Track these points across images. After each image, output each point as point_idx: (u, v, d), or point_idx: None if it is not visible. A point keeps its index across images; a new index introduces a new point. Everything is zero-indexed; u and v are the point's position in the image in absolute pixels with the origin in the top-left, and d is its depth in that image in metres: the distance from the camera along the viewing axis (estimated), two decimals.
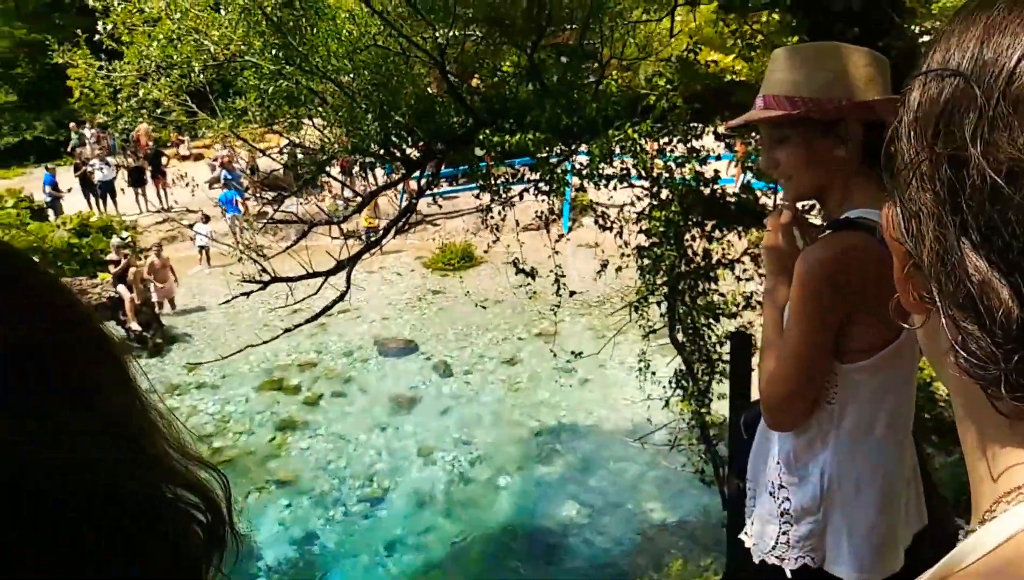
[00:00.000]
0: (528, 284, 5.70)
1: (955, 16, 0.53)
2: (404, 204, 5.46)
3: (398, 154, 5.42)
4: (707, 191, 4.21)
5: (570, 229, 15.35)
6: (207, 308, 13.81)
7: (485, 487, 8.48)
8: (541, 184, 5.00)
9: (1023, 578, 0.45)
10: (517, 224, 5.77)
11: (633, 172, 4.56)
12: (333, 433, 9.54)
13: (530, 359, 11.38)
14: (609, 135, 4.19)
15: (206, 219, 16.23)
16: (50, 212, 17.87)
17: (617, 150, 4.33)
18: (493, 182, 5.64)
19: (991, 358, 0.47)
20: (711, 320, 4.62)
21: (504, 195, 5.60)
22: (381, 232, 5.51)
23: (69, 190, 18.33)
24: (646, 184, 4.60)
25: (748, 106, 1.70)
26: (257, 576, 7.21)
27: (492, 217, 5.48)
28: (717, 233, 4.38)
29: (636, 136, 4.13)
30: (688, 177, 4.16)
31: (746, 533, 1.80)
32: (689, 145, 4.30)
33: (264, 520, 7.99)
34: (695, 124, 4.46)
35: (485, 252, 15.22)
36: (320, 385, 10.71)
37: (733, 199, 4.32)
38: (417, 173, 5.51)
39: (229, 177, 17.75)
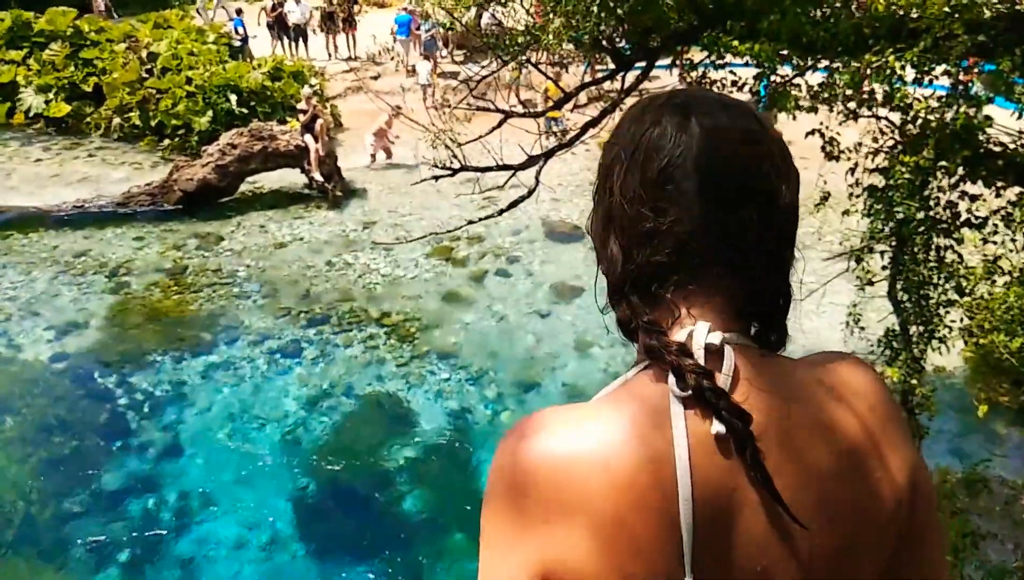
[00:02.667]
0: None
1: (624, 112, 1.04)
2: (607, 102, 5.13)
3: (608, 47, 5.00)
4: (972, 139, 3.59)
5: None
6: (387, 167, 14.06)
7: None
8: (764, 99, 4.48)
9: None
10: None
11: (880, 102, 3.97)
12: (495, 312, 9.62)
13: None
14: (865, 59, 3.61)
15: (426, 56, 17.08)
16: (239, 56, 18.46)
17: (868, 77, 3.75)
18: (708, 88, 5.14)
19: (613, 297, 1.01)
20: (941, 281, 4.09)
21: None
22: (576, 130, 5.18)
23: (253, 36, 18.80)
24: (894, 119, 4.01)
25: None
26: (413, 440, 7.51)
27: None
28: (971, 187, 3.78)
29: (897, 65, 3.54)
30: (955, 121, 3.54)
31: None
32: (959, 83, 3.66)
33: (423, 388, 8.25)
34: (975, 59, 3.78)
35: None
36: (486, 261, 10.75)
37: (999, 149, 3.68)
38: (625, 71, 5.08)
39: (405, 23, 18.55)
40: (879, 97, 4.00)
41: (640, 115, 1.00)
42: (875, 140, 4.22)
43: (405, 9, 18.89)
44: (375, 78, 18.47)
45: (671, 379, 0.89)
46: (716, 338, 0.91)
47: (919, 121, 3.76)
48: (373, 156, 14.09)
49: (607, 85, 5.43)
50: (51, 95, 16.48)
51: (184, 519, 6.57)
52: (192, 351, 8.77)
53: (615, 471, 0.85)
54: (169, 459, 7.22)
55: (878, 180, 4.27)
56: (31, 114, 16.53)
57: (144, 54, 16.38)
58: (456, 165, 5.06)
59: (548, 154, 5.10)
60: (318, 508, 6.74)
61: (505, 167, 5.04)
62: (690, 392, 0.87)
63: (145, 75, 16.00)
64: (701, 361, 0.89)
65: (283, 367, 8.56)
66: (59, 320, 9.30)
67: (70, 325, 9.22)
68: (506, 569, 0.88)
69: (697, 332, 0.91)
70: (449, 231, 5.92)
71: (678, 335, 0.92)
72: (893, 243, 4.14)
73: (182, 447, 7.38)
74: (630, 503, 0.84)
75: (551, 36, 4.80)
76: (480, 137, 5.07)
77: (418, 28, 18.14)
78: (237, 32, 18.36)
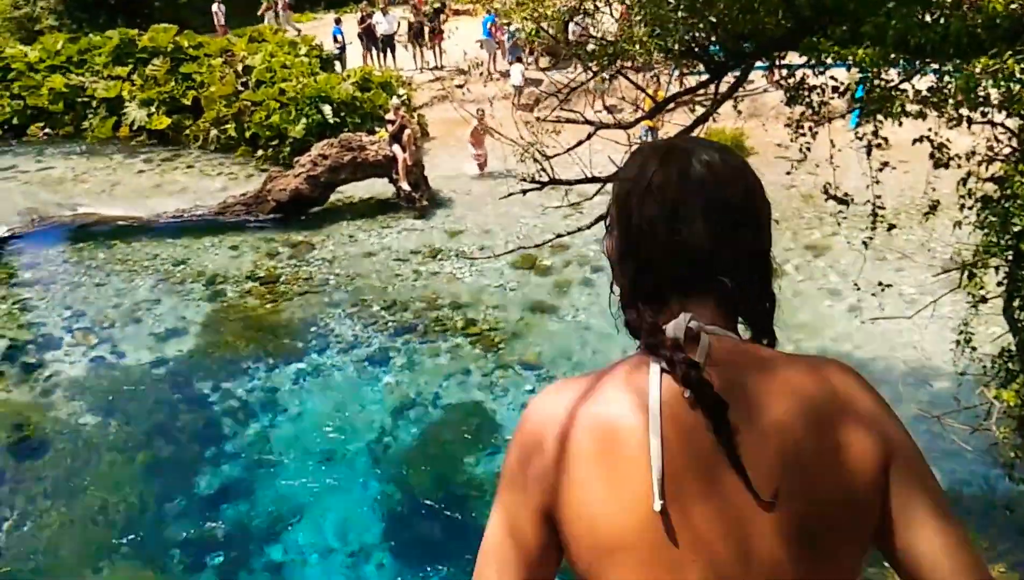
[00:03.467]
0: (795, 185, 5.14)
1: (631, 156, 1.27)
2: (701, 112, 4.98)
3: (701, 54, 4.86)
4: None
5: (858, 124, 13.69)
6: (473, 178, 14.15)
7: None
8: (870, 105, 4.26)
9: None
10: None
11: (996, 107, 3.71)
12: (579, 322, 9.52)
13: (795, 273, 10.57)
14: (981, 62, 3.38)
15: (518, 59, 17.39)
16: (336, 64, 18.89)
17: (983, 81, 3.51)
18: (806, 94, 4.95)
19: (627, 305, 1.22)
20: None
21: (818, 110, 4.90)
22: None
23: (350, 43, 19.25)
24: (1011, 125, 3.75)
25: None
26: (498, 450, 7.48)
27: (803, 133, 4.83)
28: None
29: (1017, 68, 3.30)
30: None
31: None
32: None
33: (507, 398, 8.22)
34: None
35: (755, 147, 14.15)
36: (571, 270, 10.67)
37: None
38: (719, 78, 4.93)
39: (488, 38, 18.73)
40: (995, 101, 3.75)
41: (648, 156, 1.21)
42: (990, 148, 3.96)
43: (489, 11, 19.09)
44: (461, 87, 18.63)
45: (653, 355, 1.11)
46: (694, 324, 1.10)
47: None
48: (480, 165, 14.26)
49: (700, 94, 5.30)
50: (153, 108, 17.25)
51: (275, 525, 6.70)
52: (284, 358, 8.97)
53: (596, 415, 1.10)
54: (262, 465, 7.39)
55: (993, 190, 4.00)
56: (134, 127, 17.33)
57: (240, 67, 16.96)
58: (544, 178, 5.00)
59: None
60: (404, 517, 6.77)
61: (594, 179, 4.95)
62: (664, 363, 1.08)
63: (240, 88, 16.57)
64: (681, 338, 1.09)
65: (371, 375, 8.67)
66: (160, 327, 9.67)
67: (170, 332, 9.58)
68: (510, 510, 1.15)
69: (679, 319, 1.12)
70: (536, 246, 5.85)
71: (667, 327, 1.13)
72: (1010, 257, 3.87)
73: (274, 453, 7.54)
74: (605, 440, 1.08)
75: (637, 45, 4.69)
76: (568, 150, 5.00)
77: (501, 33, 18.39)
78: (336, 40, 18.87)
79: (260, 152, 15.75)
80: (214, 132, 16.56)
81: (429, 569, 6.20)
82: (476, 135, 14.08)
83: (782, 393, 1.07)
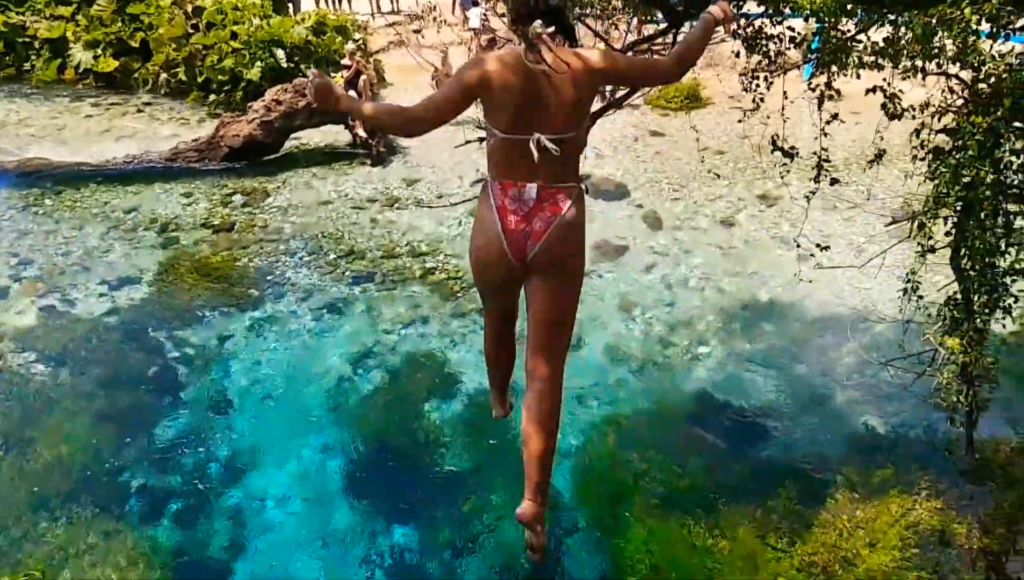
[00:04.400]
0: (749, 136, 5.24)
1: None
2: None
3: (659, 2, 4.83)
4: None
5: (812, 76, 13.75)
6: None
7: (683, 353, 8.26)
8: (826, 56, 4.29)
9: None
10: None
11: (951, 58, 3.77)
12: None
13: (748, 222, 10.72)
14: (939, 10, 3.42)
15: (475, 2, 16.97)
16: (289, 6, 18.37)
17: (939, 31, 3.55)
18: (764, 43, 4.96)
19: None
20: (1010, 250, 3.91)
21: (774, 59, 4.92)
22: (623, 92, 5.04)
23: None
24: (965, 76, 3.81)
25: None
26: (456, 397, 7.55)
27: (756, 84, 4.85)
28: None
29: (973, 18, 3.34)
30: None
31: None
32: None
33: (466, 346, 8.27)
34: None
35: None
36: None
37: None
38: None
39: None
40: (950, 53, 3.81)
41: None
42: (943, 99, 4.03)
43: None
44: (418, 32, 18.27)
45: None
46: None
47: (993, 79, 3.57)
48: None
49: (659, 42, 5.26)
50: (99, 51, 16.63)
51: (233, 472, 6.71)
52: (240, 307, 8.89)
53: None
54: (219, 413, 7.36)
55: (944, 141, 4.09)
56: (80, 70, 16.72)
57: (189, 9, 16.39)
58: None
59: (597, 114, 4.98)
60: (363, 464, 6.82)
61: None
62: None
63: (191, 30, 16.04)
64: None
65: (329, 324, 8.63)
66: (111, 275, 9.48)
67: (122, 280, 9.40)
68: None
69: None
70: None
71: None
72: (959, 208, 3.97)
73: (231, 401, 7.51)
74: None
75: None
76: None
77: None
78: None
79: (212, 97, 15.34)
80: (164, 76, 16.05)
81: (387, 513, 6.28)
82: (438, 79, 13.85)
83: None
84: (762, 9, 4.60)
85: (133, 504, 6.39)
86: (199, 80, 15.64)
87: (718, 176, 11.26)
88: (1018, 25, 3.43)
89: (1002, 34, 3.46)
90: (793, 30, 4.73)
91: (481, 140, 5.41)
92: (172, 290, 9.29)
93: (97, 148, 12.98)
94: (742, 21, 4.73)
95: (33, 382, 7.67)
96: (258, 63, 15.00)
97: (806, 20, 4.46)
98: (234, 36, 15.37)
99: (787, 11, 4.46)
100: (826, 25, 4.29)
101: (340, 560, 5.92)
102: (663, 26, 5.15)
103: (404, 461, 6.80)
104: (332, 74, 14.73)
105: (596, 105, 5.24)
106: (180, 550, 5.99)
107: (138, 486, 6.54)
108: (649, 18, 5.56)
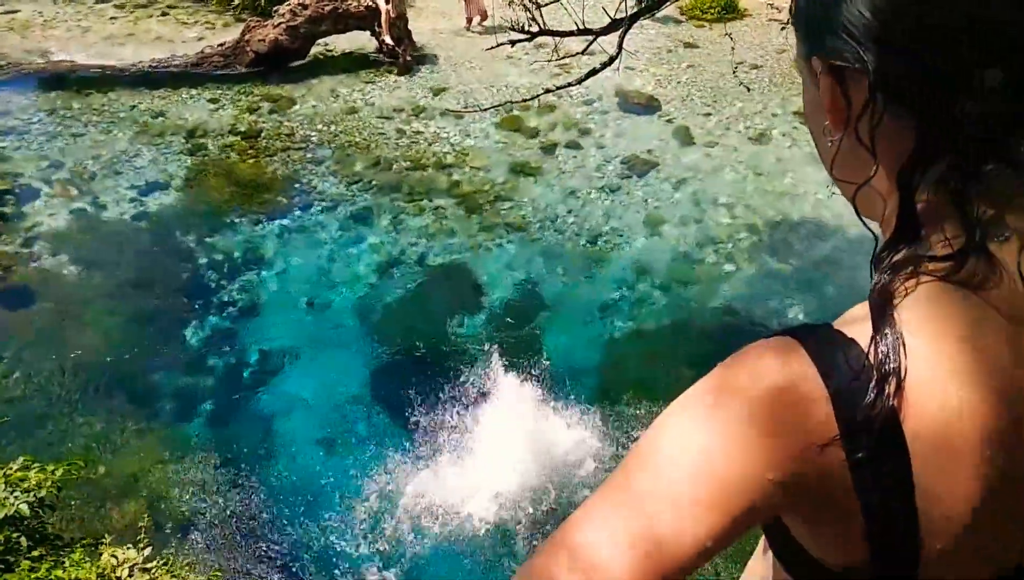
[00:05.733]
0: (786, 49, 5.02)
1: None
2: None
3: None
4: None
5: None
6: (459, 33, 13.65)
7: (709, 270, 8.23)
8: None
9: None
10: None
11: None
12: (566, 186, 9.47)
13: (781, 139, 10.49)
14: None
15: None
16: None
17: None
18: None
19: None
20: None
21: None
22: None
23: None
24: None
25: None
26: (481, 310, 7.62)
27: None
28: None
29: None
30: None
31: None
32: None
33: (491, 259, 8.29)
34: None
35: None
36: (557, 132, 10.50)
37: None
38: None
39: None
40: None
41: None
42: None
43: None
44: None
45: None
46: None
47: None
48: (469, 20, 13.64)
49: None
50: None
51: (262, 376, 6.88)
52: (268, 215, 8.93)
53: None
54: (248, 318, 7.49)
55: None
56: None
57: None
58: (534, 28, 4.84)
59: (633, 18, 4.84)
60: (388, 371, 6.96)
61: (586, 31, 4.81)
62: None
63: None
64: None
65: (356, 234, 8.67)
66: (140, 180, 9.53)
67: (151, 185, 9.45)
68: None
69: None
70: (523, 100, 5.74)
71: None
72: None
73: (260, 307, 7.64)
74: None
75: None
76: None
77: None
78: None
79: (237, 0, 15.05)
80: None
81: (411, 419, 6.43)
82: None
83: None
84: None
85: (166, 405, 6.59)
86: None
87: (748, 89, 10.96)
88: None
89: None
90: None
91: (513, 43, 5.31)
92: (201, 196, 9.34)
93: (123, 51, 12.86)
94: None
95: (67, 283, 7.82)
96: None
97: None
98: None
99: None
100: None
101: (361, 465, 6.09)
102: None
103: (428, 370, 6.91)
104: None
105: (632, 7, 5.09)
106: (210, 447, 6.21)
107: (170, 387, 6.73)
108: None
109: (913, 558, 0.72)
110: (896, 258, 0.75)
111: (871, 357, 0.70)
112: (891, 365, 0.68)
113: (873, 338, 0.70)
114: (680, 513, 0.70)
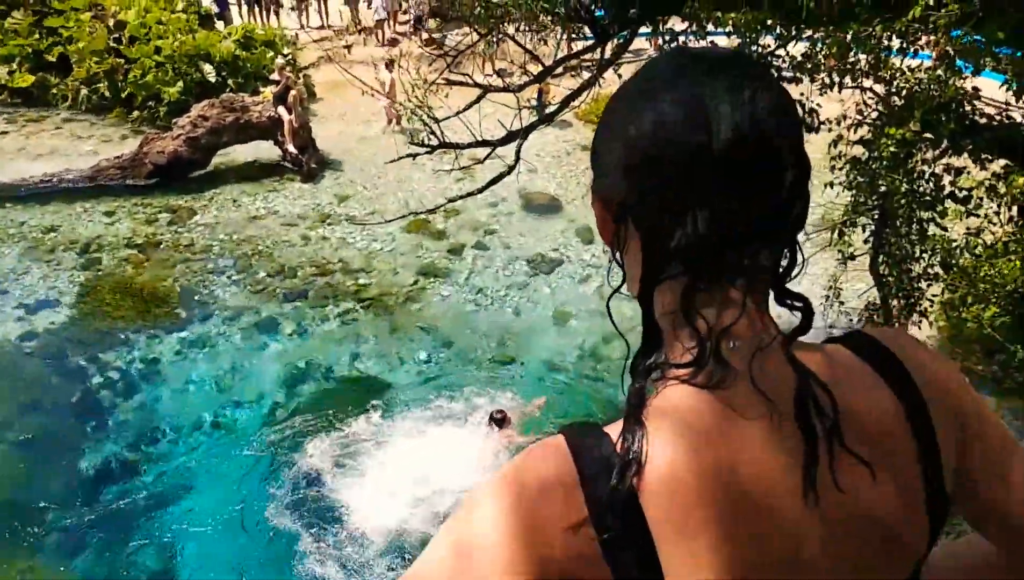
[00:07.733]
0: None
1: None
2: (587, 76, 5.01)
3: (587, 18, 4.88)
4: (959, 111, 3.54)
5: None
6: (363, 138, 13.83)
7: (618, 365, 8.32)
8: None
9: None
10: None
11: (865, 72, 3.90)
12: (473, 285, 9.54)
13: None
14: (852, 27, 3.54)
15: None
16: (219, 23, 18.03)
17: (854, 47, 3.68)
18: None
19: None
20: (924, 255, 4.06)
21: None
22: (556, 104, 5.08)
23: (232, 2, 18.40)
24: (879, 90, 3.95)
25: None
26: (392, 418, 7.45)
27: None
28: (955, 160, 3.74)
29: (884, 35, 3.47)
30: (942, 93, 3.49)
31: None
32: (946, 54, 3.59)
33: (401, 364, 8.18)
34: (964, 29, 3.71)
35: None
36: (464, 234, 10.64)
37: (984, 121, 3.64)
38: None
39: None
40: (864, 68, 3.94)
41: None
42: (859, 112, 4.17)
43: None
44: (348, 48, 18.15)
45: None
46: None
47: (904, 92, 3.71)
48: (389, 121, 13.84)
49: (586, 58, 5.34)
50: (14, 65, 16.02)
51: (160, 500, 6.49)
52: (166, 328, 8.62)
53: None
54: (145, 440, 7.11)
55: (861, 153, 4.22)
56: None
57: (111, 23, 15.93)
58: (434, 141, 4.95)
59: (528, 129, 5.01)
60: (297, 488, 6.67)
61: (484, 143, 4.94)
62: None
63: (113, 44, 15.59)
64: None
65: (259, 343, 8.45)
66: (29, 298, 9.10)
67: (40, 303, 9.03)
68: None
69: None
70: (429, 211, 5.79)
71: None
72: (876, 216, 4.10)
73: (158, 427, 7.28)
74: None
75: (522, 8, 4.67)
76: (458, 113, 4.95)
77: None
78: None
79: (135, 113, 14.90)
80: (85, 91, 15.53)
81: (324, 538, 6.15)
82: (387, 87, 13.70)
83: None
84: (685, 25, 4.69)
85: (56, 538, 6.12)
86: (122, 96, 15.19)
87: None
88: (922, 42, 3.58)
89: (911, 51, 3.60)
90: (716, 45, 4.83)
91: (414, 157, 5.40)
92: (94, 313, 8.96)
93: (13, 166, 12.47)
94: (666, 36, 4.82)
95: None
96: (182, 79, 14.66)
97: (728, 36, 4.57)
98: (158, 51, 14.99)
99: (710, 27, 4.56)
100: (747, 40, 4.40)
101: None
102: (591, 42, 5.22)
103: (340, 484, 6.66)
104: (261, 89, 14.51)
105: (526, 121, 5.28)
106: None
107: (60, 519, 6.27)
108: (577, 34, 5.63)
109: None
110: (646, 363, 0.84)
111: (618, 447, 0.78)
112: (633, 454, 0.77)
113: (621, 431, 0.79)
114: None
